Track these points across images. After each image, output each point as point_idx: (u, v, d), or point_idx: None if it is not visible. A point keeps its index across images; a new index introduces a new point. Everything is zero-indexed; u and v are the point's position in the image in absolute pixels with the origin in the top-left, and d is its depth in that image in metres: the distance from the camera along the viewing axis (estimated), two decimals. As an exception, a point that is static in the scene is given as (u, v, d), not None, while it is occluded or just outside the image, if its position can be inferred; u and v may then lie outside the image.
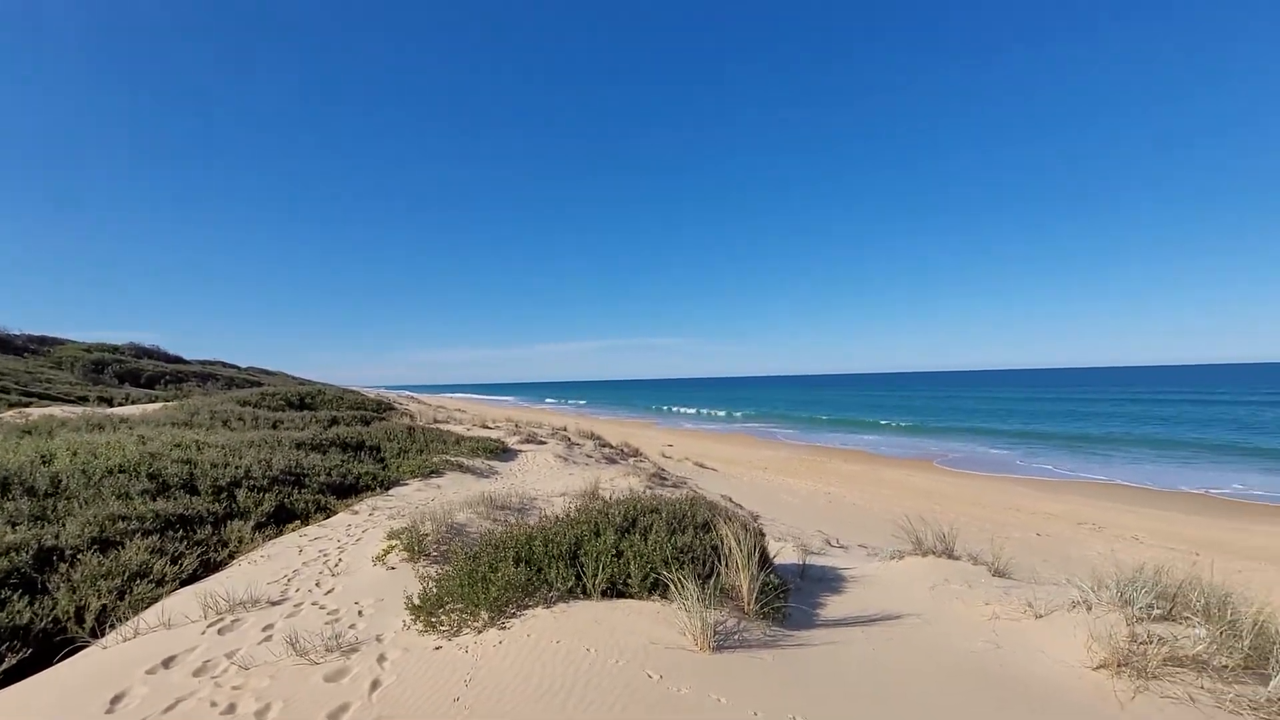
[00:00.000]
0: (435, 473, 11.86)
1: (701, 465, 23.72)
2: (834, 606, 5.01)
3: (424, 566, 6.13)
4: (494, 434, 17.50)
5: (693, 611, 3.84)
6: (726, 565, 4.42)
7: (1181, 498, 20.16)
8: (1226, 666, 3.71)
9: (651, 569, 4.38)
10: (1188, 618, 4.06)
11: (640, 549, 4.48)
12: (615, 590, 4.51)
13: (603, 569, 4.35)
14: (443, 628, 4.36)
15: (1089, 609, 4.28)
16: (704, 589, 4.09)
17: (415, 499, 9.64)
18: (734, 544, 4.35)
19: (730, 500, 14.94)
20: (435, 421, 20.47)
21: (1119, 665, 3.69)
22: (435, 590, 4.68)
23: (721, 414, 68.17)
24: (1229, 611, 3.88)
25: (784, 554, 6.91)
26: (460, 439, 14.90)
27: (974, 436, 39.73)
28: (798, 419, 58.86)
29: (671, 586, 4.18)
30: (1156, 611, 4.19)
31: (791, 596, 5.03)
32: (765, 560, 5.21)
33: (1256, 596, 5.02)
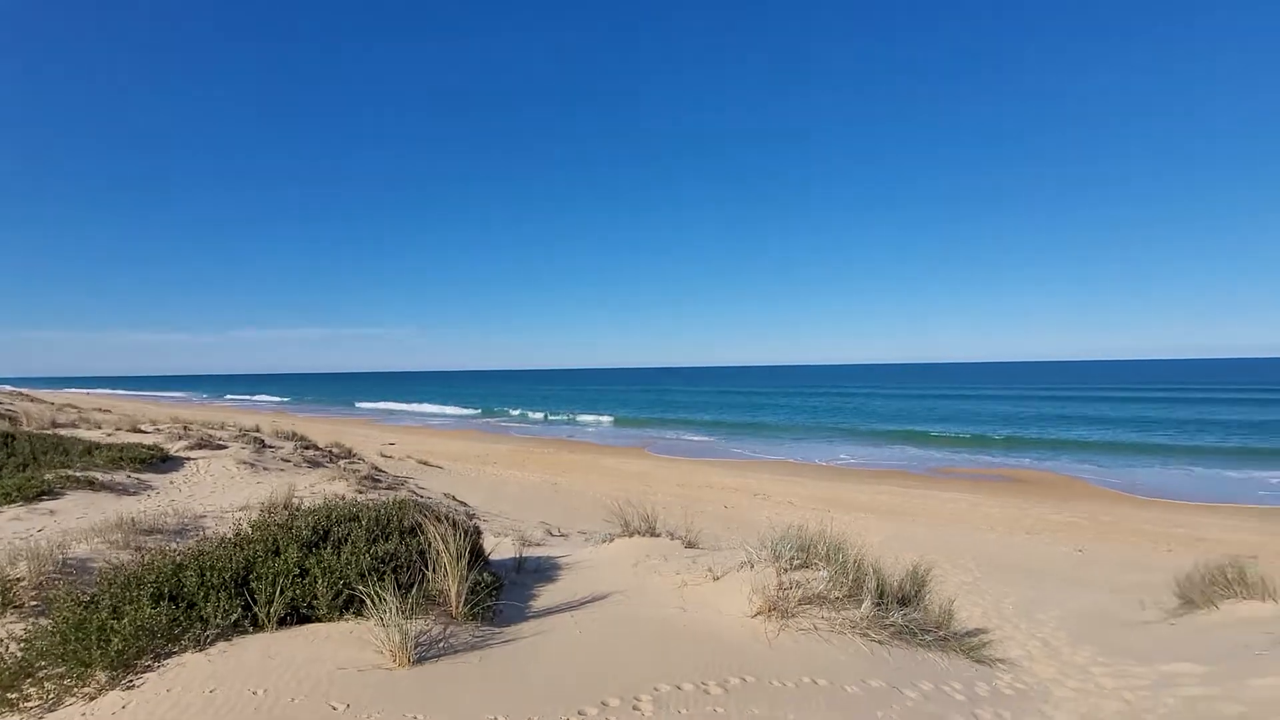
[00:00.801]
0: (48, 493, 8.92)
1: (426, 463, 22.44)
2: (547, 596, 5.11)
3: (10, 623, 4.51)
4: (149, 439, 13.94)
5: (390, 625, 3.50)
6: (434, 569, 4.15)
7: (816, 469, 25.89)
8: (839, 598, 4.79)
9: (345, 584, 3.88)
10: (816, 564, 5.13)
11: (331, 564, 3.94)
12: (299, 616, 3.89)
13: (280, 593, 3.70)
14: (29, 705, 3.23)
15: (752, 567, 5.12)
16: (406, 598, 3.77)
17: (9, 532, 7.12)
18: (442, 546, 4.10)
19: (454, 498, 14.38)
20: (55, 426, 15.49)
21: (770, 610, 4.47)
22: (19, 654, 3.45)
23: (454, 410, 65.67)
24: (841, 555, 5.01)
25: (502, 548, 6.85)
26: (94, 447, 11.48)
27: (681, 426, 45.25)
28: (531, 412, 59.84)
29: (368, 602, 3.75)
30: (797, 562, 5.21)
31: (506, 592, 4.98)
32: (479, 558, 5.06)
33: (860, 540, 6.52)
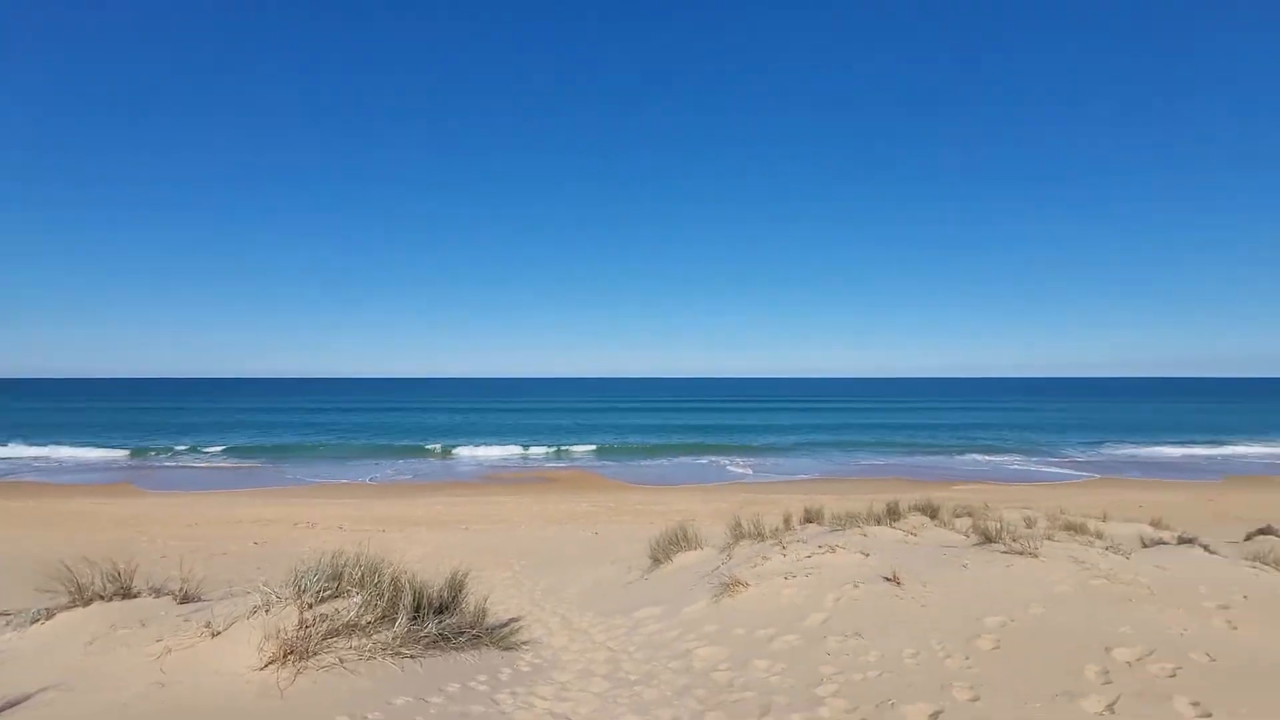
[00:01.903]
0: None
1: None
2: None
3: None
4: None
5: None
6: None
7: (370, 487, 24.68)
8: (372, 622, 4.52)
9: None
10: (349, 590, 4.75)
11: None
12: None
13: None
14: None
15: (268, 610, 4.38)
16: None
17: None
18: None
19: None
20: None
21: (286, 655, 3.89)
22: None
23: None
24: (377, 577, 4.77)
25: None
26: None
27: (192, 454, 36.47)
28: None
29: None
30: (327, 593, 4.72)
31: None
32: None
33: (401, 556, 6.30)
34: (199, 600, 5.56)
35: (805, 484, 26.06)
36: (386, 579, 4.69)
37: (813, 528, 9.74)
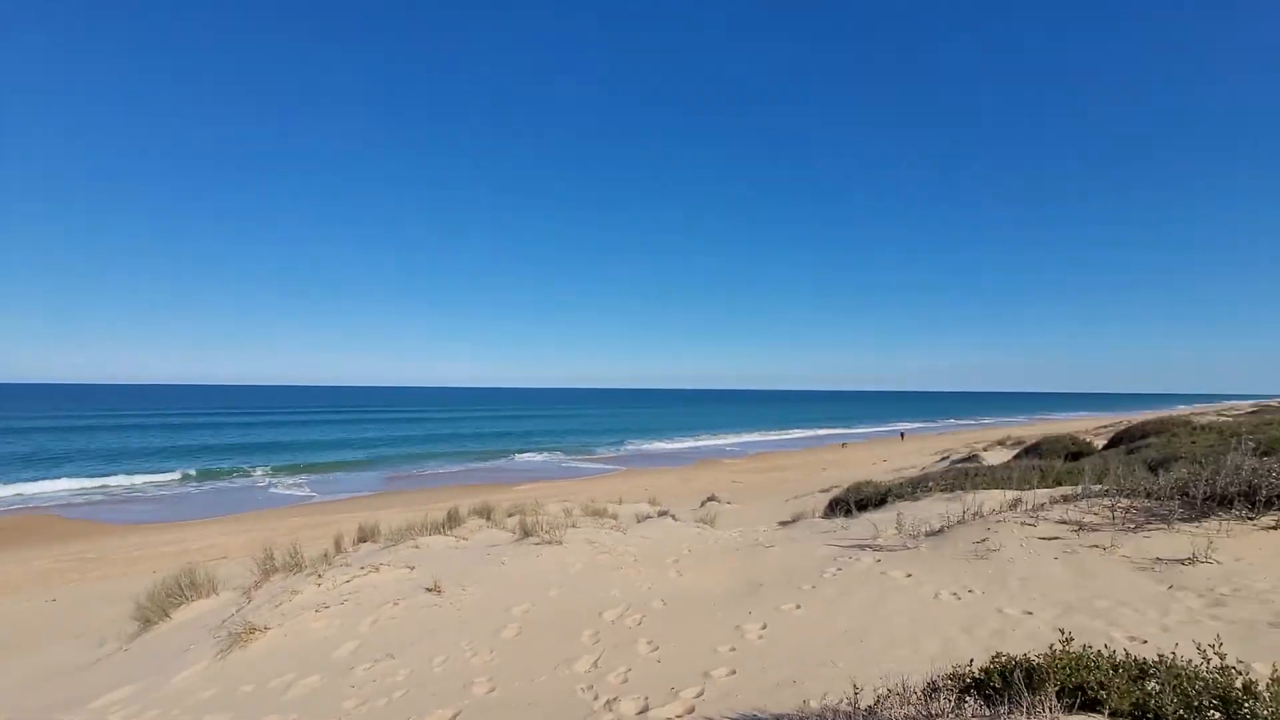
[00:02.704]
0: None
1: None
2: None
3: None
4: None
5: None
6: None
7: None
8: None
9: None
10: None
11: None
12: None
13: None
14: None
15: None
16: None
17: None
18: None
19: None
20: None
21: None
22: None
23: None
24: None
25: None
26: None
27: None
28: None
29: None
30: None
31: None
32: None
33: None
34: None
35: (369, 500, 24.50)
36: None
37: (367, 547, 9.09)
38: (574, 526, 8.25)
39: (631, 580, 5.89)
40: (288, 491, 26.21)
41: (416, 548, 7.87)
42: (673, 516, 9.49)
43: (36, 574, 13.18)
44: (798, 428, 68.74)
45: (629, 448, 46.51)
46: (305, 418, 77.14)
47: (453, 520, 10.75)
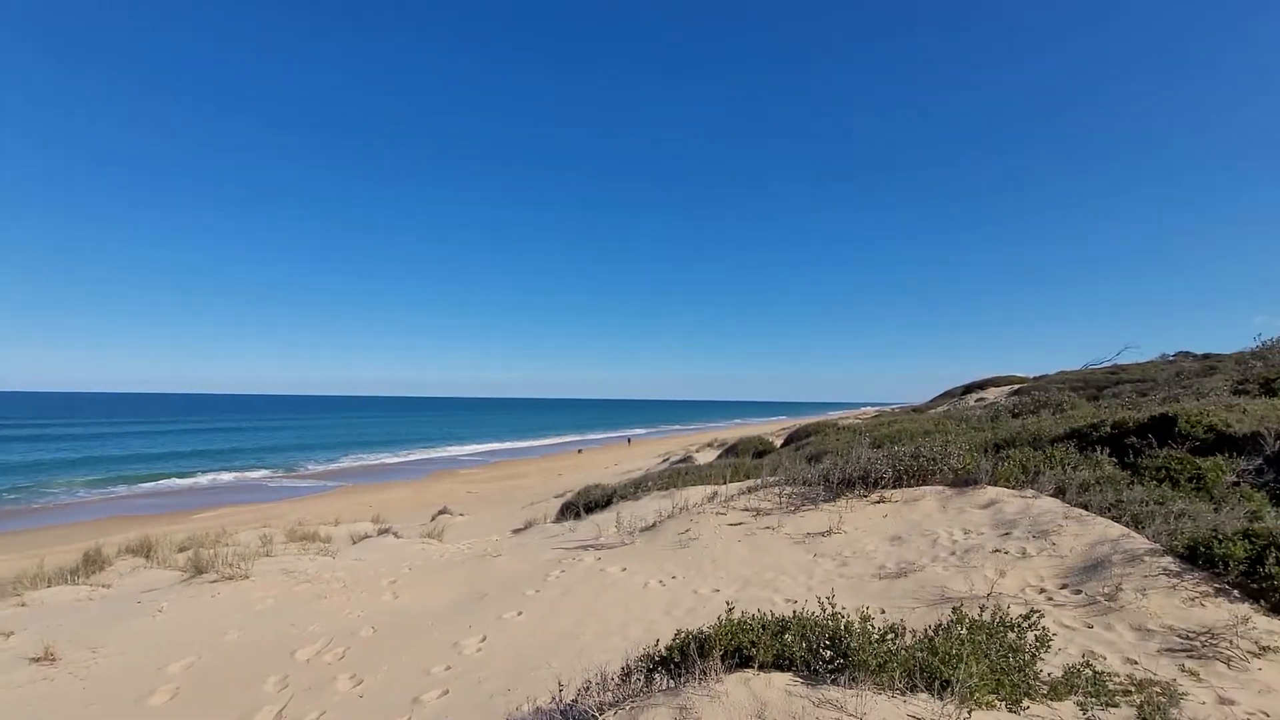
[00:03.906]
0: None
1: None
2: None
3: None
4: None
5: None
6: None
7: None
8: None
9: None
10: None
11: None
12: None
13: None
14: None
15: None
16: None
17: None
18: None
19: None
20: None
21: None
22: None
23: None
24: None
25: None
26: None
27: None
28: None
29: None
30: None
31: None
32: None
33: None
34: None
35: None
36: None
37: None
38: (268, 555, 7.07)
39: (335, 609, 5.24)
40: None
41: (23, 605, 5.89)
42: (394, 534, 8.76)
43: None
44: (539, 436, 69.85)
45: (351, 461, 41.87)
46: None
47: (92, 563, 8.38)
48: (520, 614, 4.96)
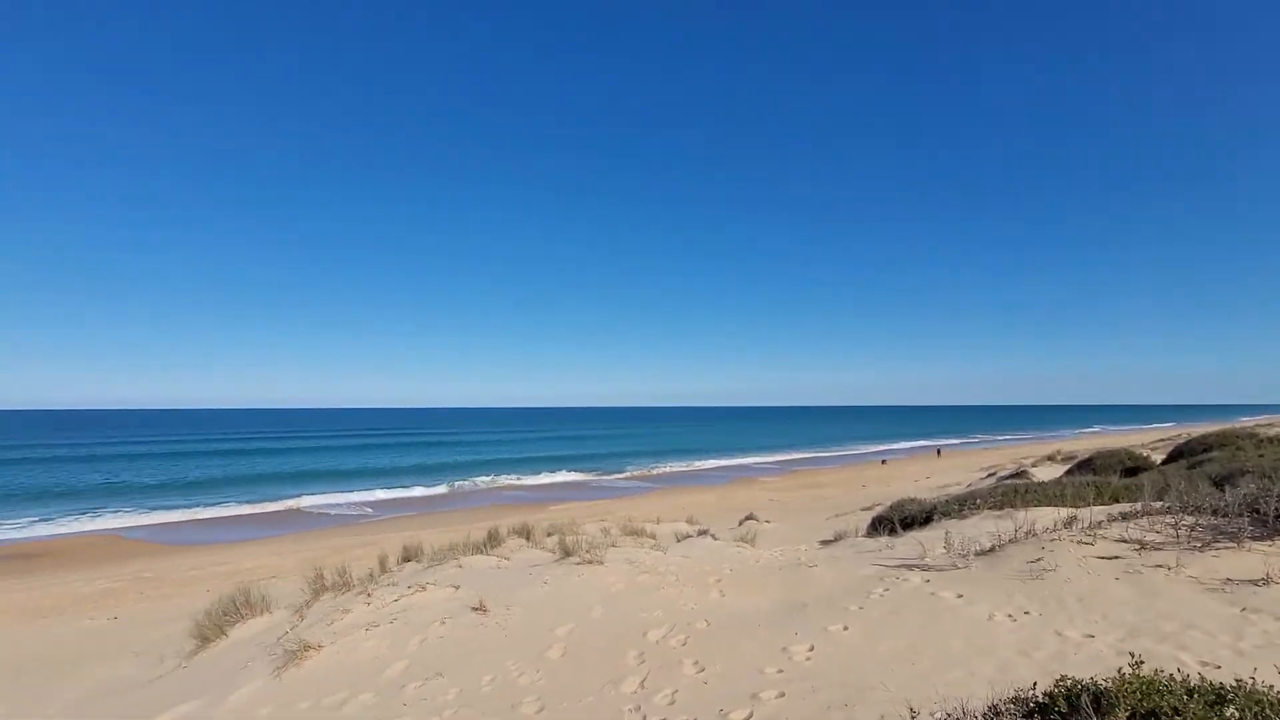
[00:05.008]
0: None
1: None
2: None
3: None
4: None
5: None
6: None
7: None
8: None
9: None
10: None
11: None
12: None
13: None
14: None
15: None
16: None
17: None
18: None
19: None
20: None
21: None
22: None
23: None
24: None
25: None
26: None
27: None
28: None
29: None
30: None
31: None
32: None
33: None
34: None
35: (409, 520, 24.89)
36: None
37: (410, 567, 9.25)
38: (614, 546, 8.27)
39: (673, 600, 5.86)
40: (335, 512, 26.86)
41: (460, 567, 7.98)
42: (712, 536, 9.41)
43: (100, 592, 13.77)
44: (833, 445, 67.45)
45: (663, 467, 46.29)
46: (328, 442, 78.73)
47: (493, 540, 10.87)
48: (845, 628, 4.86)
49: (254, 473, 42.43)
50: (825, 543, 10.20)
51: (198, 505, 27.76)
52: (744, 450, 59.92)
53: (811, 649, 4.53)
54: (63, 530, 22.78)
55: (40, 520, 24.45)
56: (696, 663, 4.44)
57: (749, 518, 16.01)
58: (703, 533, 10.33)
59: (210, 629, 7.39)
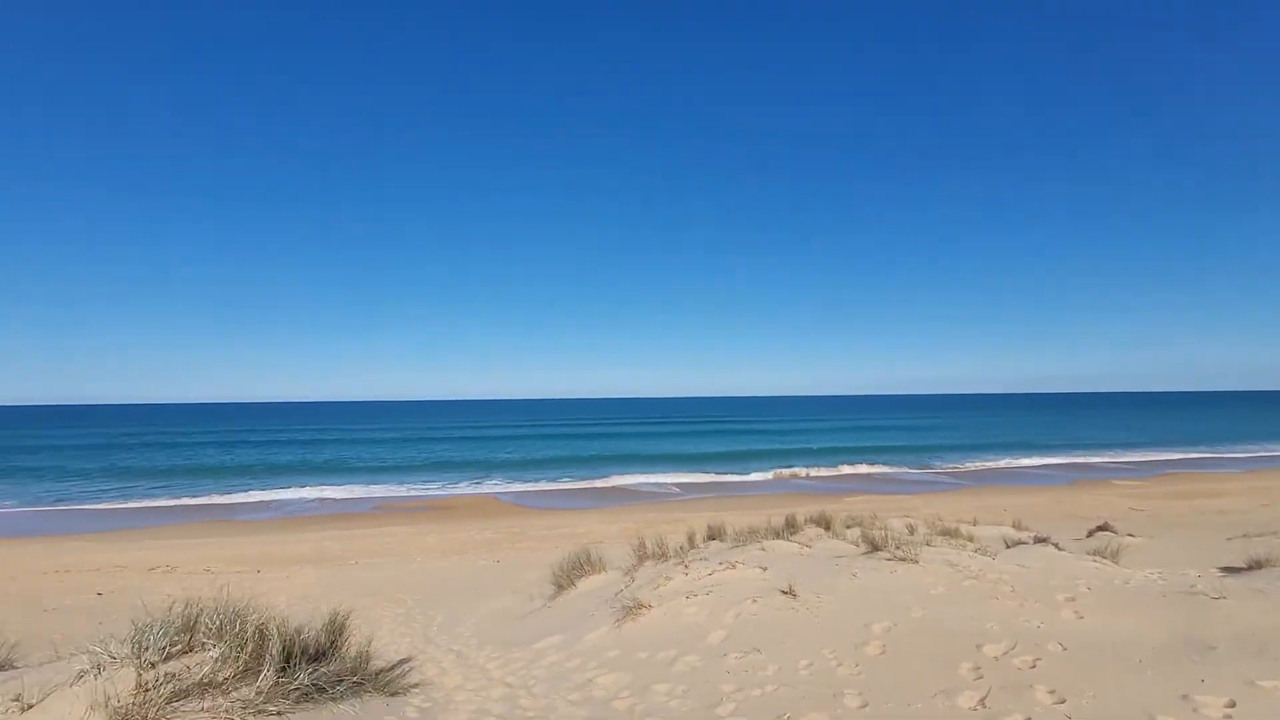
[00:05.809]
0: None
1: None
2: None
3: None
4: None
5: None
6: None
7: (245, 524, 22.45)
8: (230, 677, 4.01)
9: None
10: (205, 642, 4.20)
11: None
12: None
13: None
14: None
15: (100, 672, 3.77)
16: None
17: None
18: None
19: None
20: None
21: (120, 725, 3.36)
22: None
23: None
24: (239, 625, 4.25)
25: None
26: None
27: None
28: None
29: None
30: (177, 647, 4.14)
31: None
32: None
33: (272, 599, 5.68)
34: (12, 668, 4.73)
35: (710, 502, 26.57)
36: (251, 626, 4.19)
37: (715, 544, 9.87)
38: (928, 545, 7.57)
39: (1011, 614, 5.11)
40: (646, 490, 30.31)
41: (763, 550, 8.22)
42: (1055, 545, 7.92)
43: (487, 541, 17.93)
44: (1227, 444, 50.59)
45: (977, 463, 40.67)
46: (640, 429, 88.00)
47: (791, 527, 10.92)
48: (1289, 688, 3.61)
49: (586, 454, 50.24)
50: (1231, 570, 7.74)
51: (543, 480, 34.09)
52: (1087, 446, 49.02)
53: (1231, 705, 3.48)
54: (462, 491, 30.43)
55: (448, 484, 33.02)
56: (1053, 691, 3.80)
57: (1102, 528, 13.04)
58: (1040, 540, 8.77)
59: (564, 579, 8.98)
